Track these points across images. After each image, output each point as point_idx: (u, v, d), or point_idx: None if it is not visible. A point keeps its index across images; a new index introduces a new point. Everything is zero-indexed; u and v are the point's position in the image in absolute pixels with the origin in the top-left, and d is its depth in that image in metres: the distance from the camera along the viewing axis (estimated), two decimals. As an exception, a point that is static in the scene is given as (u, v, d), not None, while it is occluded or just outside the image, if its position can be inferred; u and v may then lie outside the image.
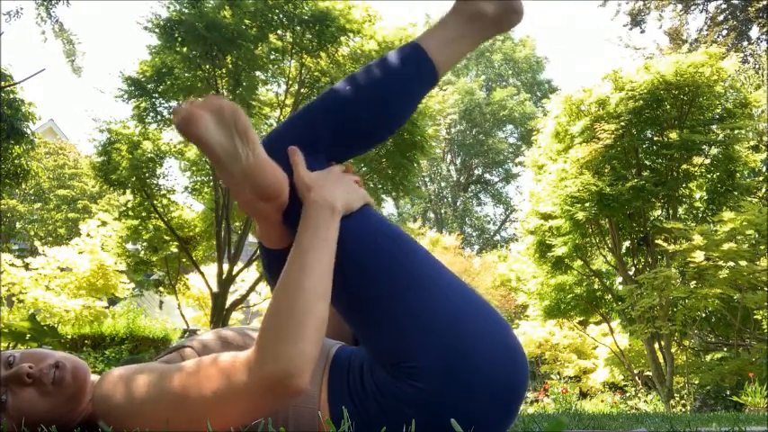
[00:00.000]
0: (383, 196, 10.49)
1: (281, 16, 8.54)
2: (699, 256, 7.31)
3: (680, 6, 13.10)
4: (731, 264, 7.26)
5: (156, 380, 0.96)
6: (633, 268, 9.67)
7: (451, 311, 0.99)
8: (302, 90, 9.16)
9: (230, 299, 9.83)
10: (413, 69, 1.18)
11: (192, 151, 10.12)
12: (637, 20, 13.40)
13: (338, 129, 1.13)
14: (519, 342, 1.04)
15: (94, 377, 1.06)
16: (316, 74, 8.97)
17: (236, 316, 12.61)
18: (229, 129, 1.00)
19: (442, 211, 29.21)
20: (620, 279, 10.14)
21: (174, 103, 9.38)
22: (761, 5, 12.14)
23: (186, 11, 8.41)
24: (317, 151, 1.11)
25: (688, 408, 7.75)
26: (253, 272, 11.67)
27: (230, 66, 8.71)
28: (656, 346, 9.02)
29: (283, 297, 0.95)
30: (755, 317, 8.12)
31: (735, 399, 6.43)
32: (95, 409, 0.98)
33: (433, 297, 1.00)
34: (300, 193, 1.04)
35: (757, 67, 12.35)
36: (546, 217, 9.63)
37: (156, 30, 8.55)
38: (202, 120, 0.99)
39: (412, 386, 0.96)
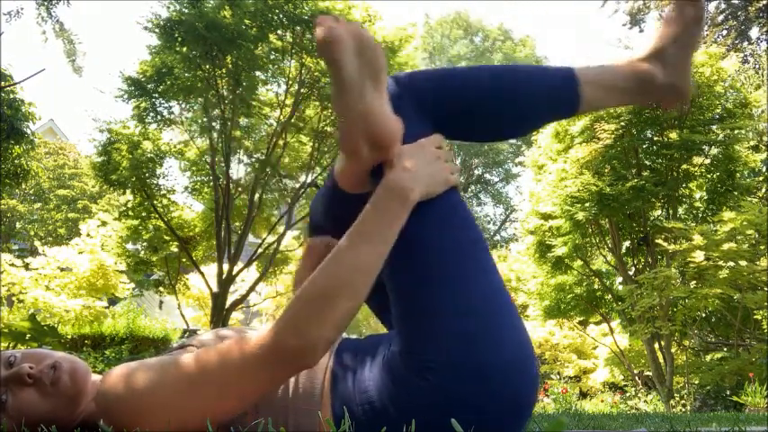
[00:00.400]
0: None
1: (281, 16, 8.54)
2: (699, 256, 7.31)
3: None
4: (731, 264, 7.26)
5: (158, 369, 0.96)
6: (633, 268, 9.66)
7: (489, 316, 0.98)
8: (302, 90, 9.16)
9: (230, 299, 9.83)
10: (556, 91, 1.15)
11: (192, 151, 10.13)
12: (636, 19, 13.40)
13: (454, 100, 1.10)
14: (535, 358, 1.03)
15: (96, 377, 1.06)
16: (316, 74, 8.97)
17: (236, 316, 12.61)
18: (364, 65, 0.98)
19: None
20: (620, 279, 10.14)
21: (173, 104, 9.40)
22: (761, 5, 12.14)
23: (186, 11, 8.41)
24: (427, 113, 1.08)
25: (688, 408, 7.75)
26: (253, 272, 11.68)
27: (230, 66, 8.72)
28: (656, 346, 9.02)
29: (323, 279, 0.94)
30: (755, 317, 8.12)
31: (735, 399, 6.43)
32: (98, 407, 0.97)
33: (480, 295, 0.99)
34: (385, 167, 1.02)
35: (757, 67, 12.35)
36: (546, 217, 9.63)
37: (156, 30, 8.56)
38: (345, 45, 0.96)
39: (425, 379, 0.95)
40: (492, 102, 1.11)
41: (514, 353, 0.98)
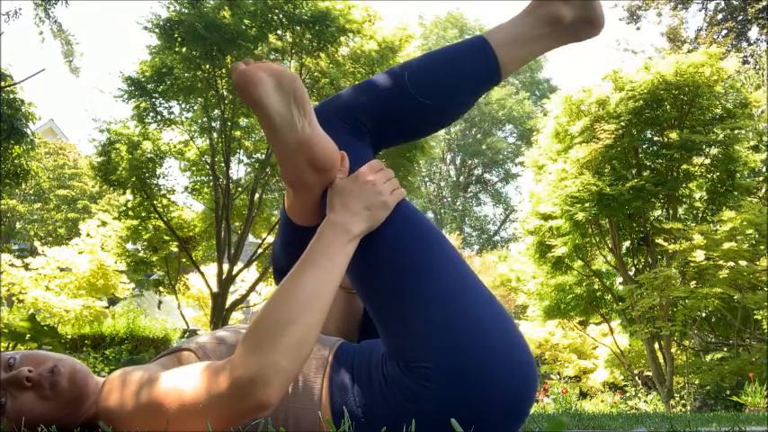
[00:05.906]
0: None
1: (280, 16, 8.54)
2: (699, 256, 7.31)
3: (679, 4, 13.09)
4: (731, 263, 7.26)
5: (143, 386, 0.95)
6: (633, 268, 9.66)
7: (475, 318, 0.98)
8: (302, 90, 9.15)
9: (230, 299, 9.83)
10: (473, 67, 1.14)
11: (192, 151, 10.13)
12: (635, 16, 13.39)
13: (382, 112, 1.12)
14: (532, 357, 1.02)
15: (99, 378, 1.06)
16: (316, 74, 8.97)
17: (237, 316, 12.61)
18: (288, 96, 0.99)
19: (442, 212, 29.22)
20: (620, 279, 10.14)
21: (173, 104, 9.40)
22: (760, 6, 12.14)
23: (186, 11, 8.41)
24: (361, 131, 1.10)
25: (688, 408, 7.75)
26: (253, 272, 11.67)
27: (230, 66, 8.71)
28: (656, 346, 9.02)
29: (272, 308, 0.93)
30: (755, 317, 8.11)
31: (735, 399, 6.43)
32: (98, 410, 0.99)
33: (459, 302, 0.99)
34: (328, 203, 1.04)
35: (757, 67, 12.35)
36: (546, 217, 9.63)
37: (156, 30, 8.56)
38: (263, 83, 0.98)
39: (423, 385, 0.96)
40: (415, 101, 1.11)
41: (509, 355, 0.98)
